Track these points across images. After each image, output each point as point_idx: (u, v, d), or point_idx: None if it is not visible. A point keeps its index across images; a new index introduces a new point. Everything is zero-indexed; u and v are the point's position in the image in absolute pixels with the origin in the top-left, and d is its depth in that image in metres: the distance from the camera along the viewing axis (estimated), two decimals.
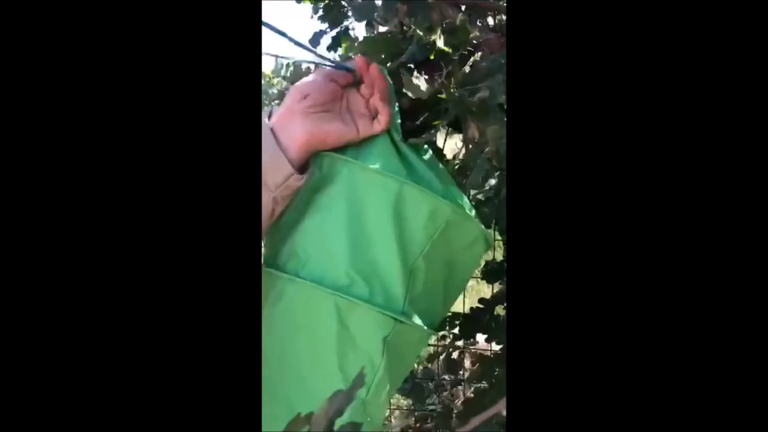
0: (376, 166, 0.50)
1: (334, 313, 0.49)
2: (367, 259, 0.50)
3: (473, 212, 0.55)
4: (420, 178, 0.51)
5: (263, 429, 0.49)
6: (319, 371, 0.52)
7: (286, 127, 0.49)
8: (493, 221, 0.71)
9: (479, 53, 0.61)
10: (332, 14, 0.92)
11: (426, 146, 0.56)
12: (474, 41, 0.65)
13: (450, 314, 0.82)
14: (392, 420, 1.03)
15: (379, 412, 0.58)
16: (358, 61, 0.51)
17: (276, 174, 0.48)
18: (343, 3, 0.90)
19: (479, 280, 0.81)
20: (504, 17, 0.72)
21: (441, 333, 0.88)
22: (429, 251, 0.50)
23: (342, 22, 0.93)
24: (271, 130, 0.49)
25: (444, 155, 0.66)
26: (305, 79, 0.51)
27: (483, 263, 0.72)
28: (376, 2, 0.60)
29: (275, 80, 1.20)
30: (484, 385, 0.60)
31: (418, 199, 0.49)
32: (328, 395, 0.54)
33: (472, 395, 0.59)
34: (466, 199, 0.55)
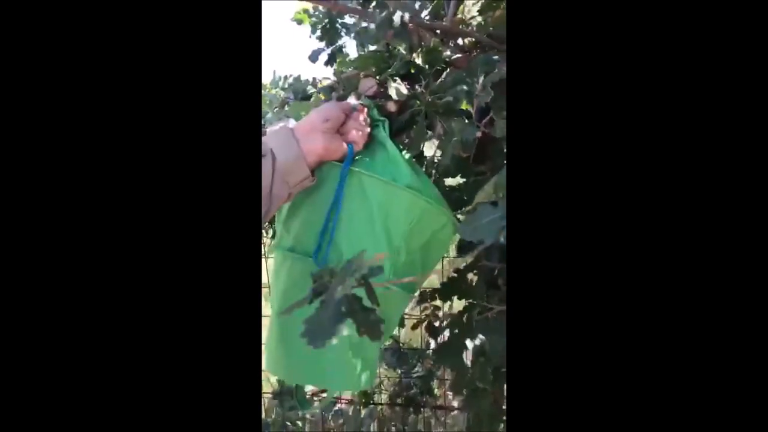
0: (372, 172, 0.64)
1: None
2: (361, 242, 0.65)
3: (443, 202, 0.70)
4: (404, 176, 0.66)
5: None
6: None
7: (308, 138, 0.62)
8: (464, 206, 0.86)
9: (449, 69, 0.77)
10: (329, 34, 1.07)
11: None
12: (446, 59, 0.80)
13: (431, 289, 0.98)
14: (381, 388, 1.17)
15: (374, 361, 0.72)
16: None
17: (296, 174, 0.61)
18: (338, 26, 1.06)
19: (453, 258, 0.96)
20: (471, 39, 0.88)
21: (423, 305, 1.03)
22: (408, 235, 0.65)
23: (337, 41, 1.08)
24: (294, 138, 0.62)
25: (424, 155, 0.82)
26: (328, 105, 0.65)
27: (456, 241, 0.87)
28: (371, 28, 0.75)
29: (273, 91, 1.36)
30: (456, 332, 0.75)
31: (400, 195, 0.64)
32: (323, 352, 0.68)
33: (447, 338, 0.74)
34: (437, 191, 0.71)
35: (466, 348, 0.70)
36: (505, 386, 0.76)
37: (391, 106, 0.67)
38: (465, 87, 0.59)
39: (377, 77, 0.75)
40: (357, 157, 0.67)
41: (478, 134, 0.58)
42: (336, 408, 1.29)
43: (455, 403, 1.17)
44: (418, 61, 0.72)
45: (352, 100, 0.67)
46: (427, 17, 0.93)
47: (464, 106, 0.67)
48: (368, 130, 0.66)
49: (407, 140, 0.67)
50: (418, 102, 0.65)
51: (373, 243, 0.64)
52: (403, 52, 0.75)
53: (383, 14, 0.58)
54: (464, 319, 0.73)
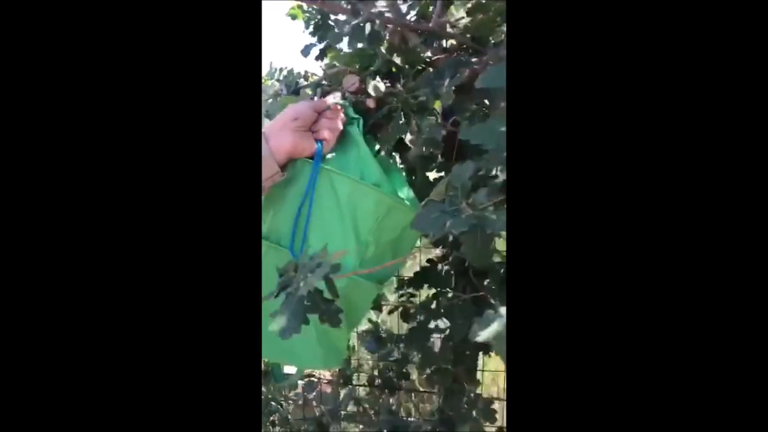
0: (342, 169, 0.69)
1: None
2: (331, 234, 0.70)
3: (412, 199, 0.75)
4: (372, 174, 0.70)
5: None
6: None
7: (277, 136, 0.67)
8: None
9: (430, 69, 0.81)
10: (321, 30, 1.11)
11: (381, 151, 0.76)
12: (427, 59, 0.85)
13: (406, 278, 1.03)
14: (359, 373, 1.22)
15: (342, 343, 0.78)
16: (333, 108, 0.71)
17: (266, 170, 0.66)
18: (330, 22, 1.10)
19: (425, 248, 1.01)
20: (453, 41, 0.92)
21: (400, 292, 1.08)
22: (375, 229, 0.70)
23: (328, 37, 1.12)
24: (264, 136, 0.66)
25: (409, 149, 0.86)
26: (299, 104, 0.69)
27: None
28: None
29: (269, 82, 1.40)
30: (422, 318, 0.81)
31: (367, 193, 0.69)
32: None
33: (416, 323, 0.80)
34: (407, 189, 0.75)
35: (432, 332, 0.75)
36: (466, 366, 0.81)
37: (370, 103, 0.72)
38: (430, 88, 0.63)
39: (360, 74, 0.79)
40: (330, 155, 0.71)
41: (443, 133, 0.63)
42: (317, 390, 1.34)
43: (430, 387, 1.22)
44: (399, 60, 0.77)
45: (331, 97, 0.72)
46: (414, 18, 0.97)
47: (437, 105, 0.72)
48: (340, 128, 0.70)
49: (383, 134, 0.72)
50: (395, 99, 0.69)
51: (342, 237, 0.69)
52: (384, 51, 0.79)
53: (355, 22, 0.62)
54: (433, 306, 0.78)
